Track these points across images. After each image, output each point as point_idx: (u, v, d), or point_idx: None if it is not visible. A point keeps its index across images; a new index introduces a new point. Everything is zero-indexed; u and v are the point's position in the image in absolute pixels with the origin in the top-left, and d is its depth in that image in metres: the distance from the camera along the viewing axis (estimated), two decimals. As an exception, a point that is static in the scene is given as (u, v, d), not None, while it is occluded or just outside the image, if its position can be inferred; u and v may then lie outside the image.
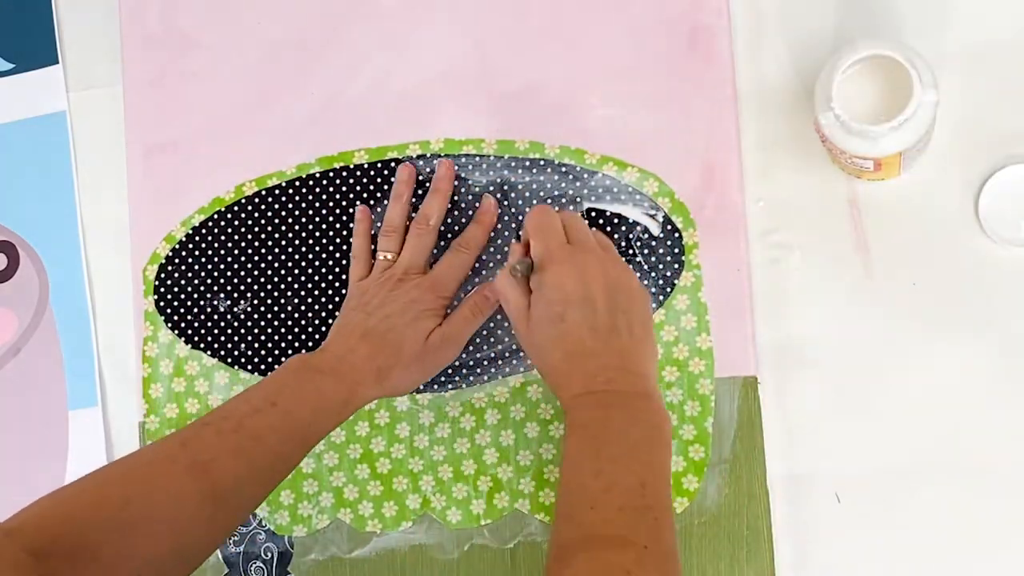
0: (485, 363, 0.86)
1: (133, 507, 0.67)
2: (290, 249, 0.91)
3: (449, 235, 0.87)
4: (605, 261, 0.74)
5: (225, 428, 0.73)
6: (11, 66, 0.99)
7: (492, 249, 0.87)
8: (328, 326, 0.89)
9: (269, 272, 0.91)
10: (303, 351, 0.89)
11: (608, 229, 0.84)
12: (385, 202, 0.89)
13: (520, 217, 0.86)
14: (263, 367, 0.90)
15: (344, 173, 0.91)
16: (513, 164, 0.87)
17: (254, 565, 0.90)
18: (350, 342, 0.80)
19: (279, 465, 0.75)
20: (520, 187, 0.87)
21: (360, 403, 0.79)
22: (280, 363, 0.89)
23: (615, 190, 0.85)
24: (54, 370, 0.95)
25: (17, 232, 0.98)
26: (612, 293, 0.73)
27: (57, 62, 0.98)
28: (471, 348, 0.86)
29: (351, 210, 0.90)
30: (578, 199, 0.85)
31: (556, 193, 0.86)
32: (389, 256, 0.85)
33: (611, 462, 0.68)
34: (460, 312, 0.84)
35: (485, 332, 0.86)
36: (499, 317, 0.86)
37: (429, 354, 0.82)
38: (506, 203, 0.87)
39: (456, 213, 0.88)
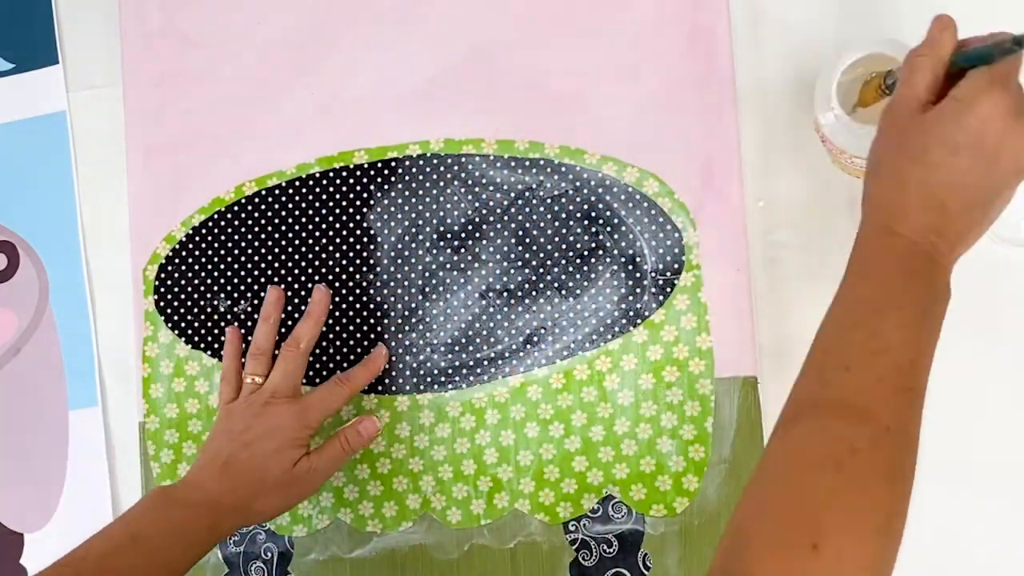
0: (485, 363, 0.87)
1: None
2: (290, 249, 0.91)
3: (442, 243, 0.87)
4: None
5: (84, 569, 0.73)
6: (11, 66, 0.99)
7: (470, 273, 0.87)
8: (328, 326, 0.89)
9: (269, 272, 0.91)
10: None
11: (592, 223, 0.85)
12: (385, 201, 0.89)
13: (513, 225, 0.87)
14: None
15: (344, 173, 0.91)
16: (513, 164, 0.87)
17: (254, 565, 0.90)
18: (212, 472, 0.80)
19: None
20: (520, 187, 0.87)
21: (224, 532, 0.79)
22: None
23: (615, 190, 0.85)
24: (54, 370, 0.95)
25: (17, 232, 0.98)
26: (1011, 177, 0.61)
27: (57, 62, 0.98)
28: (471, 348, 0.87)
29: (351, 210, 0.90)
30: None
31: (556, 193, 0.86)
32: (257, 379, 0.84)
33: (895, 328, 0.58)
34: (332, 446, 0.83)
35: (485, 332, 0.87)
36: (499, 317, 0.86)
37: (294, 484, 0.81)
38: (505, 203, 0.87)
39: (455, 213, 0.88)
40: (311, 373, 0.90)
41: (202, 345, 0.92)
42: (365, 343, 0.89)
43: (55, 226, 0.97)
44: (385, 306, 0.89)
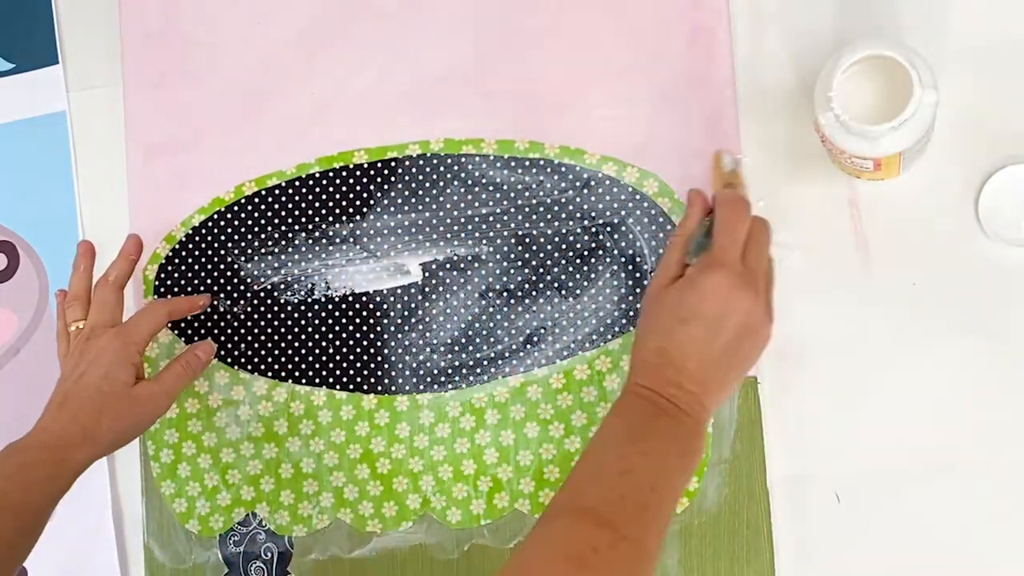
0: (485, 363, 0.87)
1: None
2: (290, 249, 0.91)
3: (441, 243, 0.88)
4: (758, 303, 0.72)
5: None
6: (11, 66, 0.99)
7: (470, 273, 0.87)
8: (327, 325, 0.89)
9: (269, 272, 0.91)
10: (302, 351, 0.90)
11: (615, 236, 0.85)
12: (385, 201, 0.89)
13: (513, 225, 0.87)
14: (263, 367, 0.91)
15: (344, 173, 0.91)
16: (513, 164, 0.87)
17: (254, 565, 0.90)
18: (51, 412, 0.82)
19: (3, 544, 0.77)
20: (520, 187, 0.87)
21: (75, 468, 0.81)
22: (279, 363, 0.90)
23: (615, 190, 0.85)
24: (54, 370, 0.95)
25: (17, 232, 0.98)
26: (741, 338, 0.72)
27: (57, 62, 0.98)
28: (471, 348, 0.87)
29: (351, 210, 0.90)
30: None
31: (556, 193, 0.86)
32: (80, 325, 0.86)
33: (638, 456, 0.68)
34: (172, 368, 0.86)
35: (485, 332, 0.87)
36: (499, 317, 0.87)
37: (138, 406, 0.83)
38: (505, 203, 0.87)
39: (455, 213, 0.88)
40: (311, 373, 0.90)
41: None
42: (364, 343, 0.89)
43: (55, 226, 0.97)
44: (385, 306, 0.89)
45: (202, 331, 0.92)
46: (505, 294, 0.87)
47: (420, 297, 0.88)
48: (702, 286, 0.71)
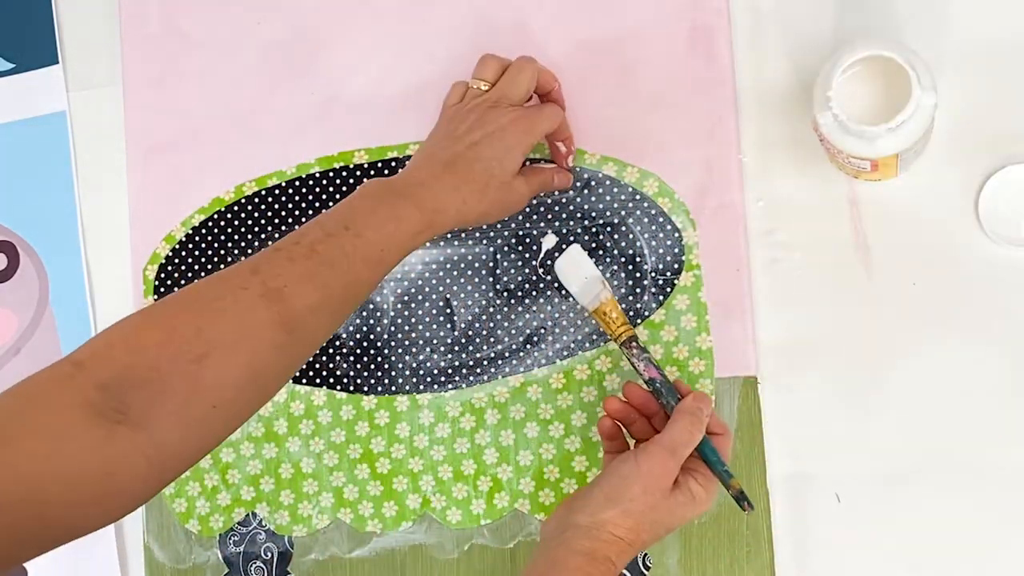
0: (485, 363, 0.87)
1: (205, 335, 0.64)
2: (290, 249, 0.91)
3: (441, 243, 0.88)
4: (684, 509, 0.74)
5: (297, 254, 0.69)
6: (11, 66, 1.00)
7: (471, 273, 0.88)
8: (335, 333, 0.89)
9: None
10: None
11: (615, 237, 0.85)
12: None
13: (513, 225, 0.87)
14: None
15: (344, 173, 0.91)
16: (513, 164, 0.88)
17: (254, 565, 0.91)
18: (435, 169, 0.77)
19: (352, 292, 0.71)
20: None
21: (436, 231, 0.75)
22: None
23: (615, 190, 0.86)
24: None
25: (17, 232, 0.98)
26: (659, 532, 0.74)
27: (57, 62, 0.98)
28: (471, 348, 0.87)
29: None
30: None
31: (555, 193, 0.87)
32: (483, 86, 0.81)
33: None
34: (543, 173, 0.83)
35: (485, 332, 0.87)
36: (499, 317, 0.87)
37: (511, 198, 0.79)
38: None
39: (456, 213, 0.88)
40: (311, 373, 0.90)
41: None
42: (364, 343, 0.89)
43: (55, 226, 0.97)
44: (384, 306, 0.89)
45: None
46: (505, 294, 0.87)
47: (420, 297, 0.89)
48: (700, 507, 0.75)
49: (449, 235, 0.88)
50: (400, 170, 0.79)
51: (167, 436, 0.61)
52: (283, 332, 0.66)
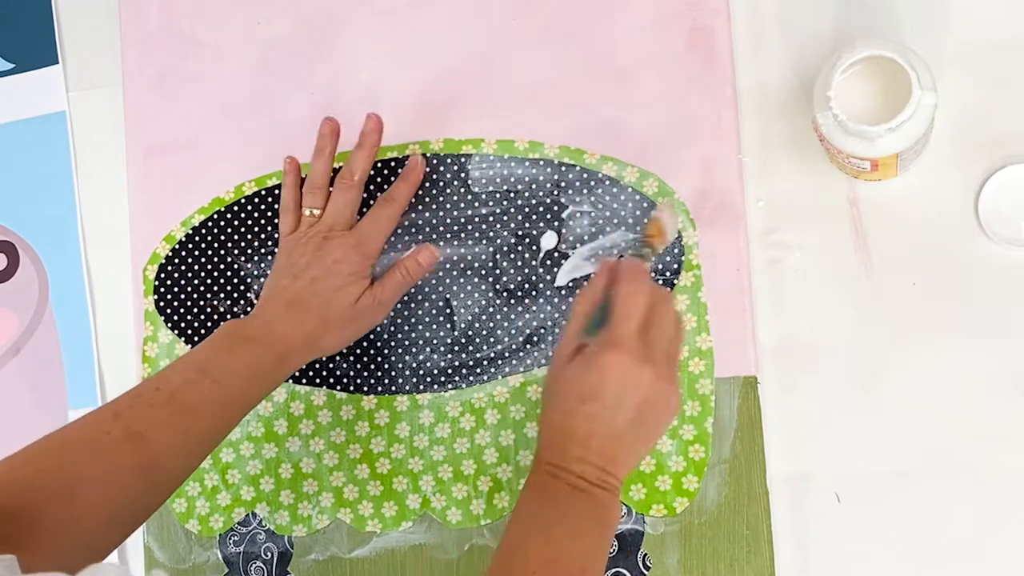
0: (485, 363, 0.87)
1: (72, 476, 0.69)
2: (290, 249, 0.91)
3: (441, 243, 0.88)
4: (658, 379, 0.71)
5: (157, 400, 0.75)
6: (11, 66, 1.00)
7: (470, 273, 0.88)
8: (328, 326, 0.90)
9: (269, 272, 0.92)
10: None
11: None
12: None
13: (513, 225, 0.87)
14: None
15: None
16: (513, 164, 0.88)
17: (254, 565, 0.91)
18: (278, 309, 0.82)
19: (213, 435, 0.77)
20: (520, 187, 0.88)
21: (291, 367, 0.81)
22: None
23: (615, 190, 0.86)
24: (54, 370, 0.96)
25: (17, 232, 0.98)
26: (645, 410, 0.71)
27: (57, 62, 0.99)
28: (471, 348, 0.87)
29: (351, 210, 0.90)
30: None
31: (556, 193, 0.87)
32: (316, 212, 0.86)
33: (565, 539, 0.69)
34: (392, 277, 0.85)
35: (485, 332, 0.87)
36: (498, 317, 0.87)
37: (359, 318, 0.84)
38: (505, 203, 0.88)
39: (455, 213, 0.88)
40: (311, 373, 0.90)
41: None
42: (364, 343, 0.89)
43: (55, 226, 0.97)
44: (385, 306, 0.89)
45: (202, 331, 0.92)
46: (505, 294, 0.87)
47: (420, 297, 0.89)
48: (600, 365, 0.70)
49: (448, 235, 0.88)
50: (256, 303, 0.85)
51: (38, 566, 0.64)
52: (145, 475, 0.72)
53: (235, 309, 0.92)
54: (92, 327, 0.96)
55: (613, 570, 0.84)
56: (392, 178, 0.90)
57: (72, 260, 0.96)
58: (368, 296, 0.84)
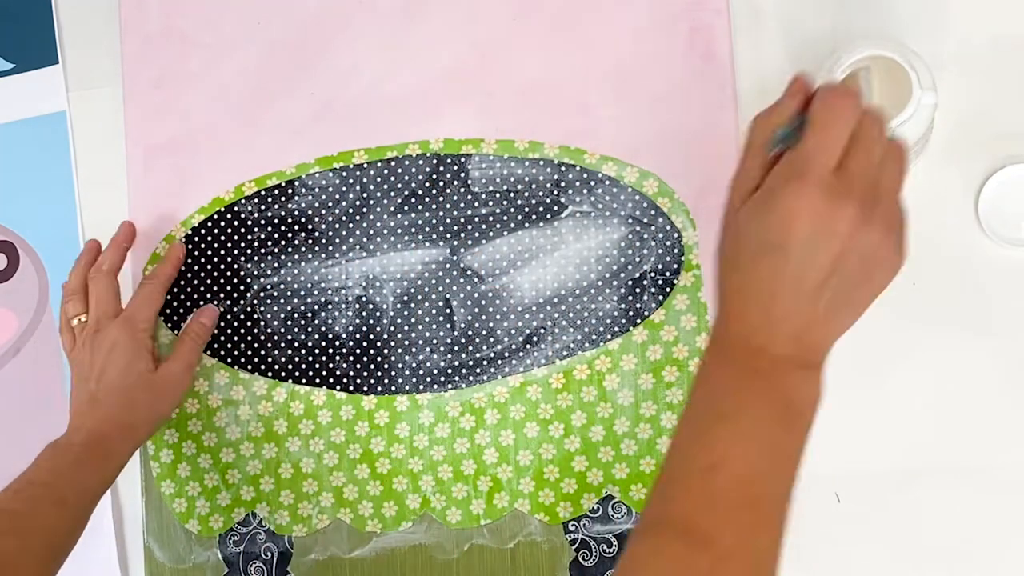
0: (485, 363, 0.87)
1: None
2: (289, 249, 0.91)
3: (441, 243, 0.88)
4: (866, 219, 0.56)
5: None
6: (11, 66, 1.00)
7: (470, 273, 0.88)
8: (327, 325, 0.90)
9: (268, 272, 0.92)
10: (302, 351, 0.90)
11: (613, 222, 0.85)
12: (385, 201, 0.90)
13: (512, 224, 0.87)
14: (263, 367, 0.91)
15: (344, 173, 0.91)
16: (513, 164, 0.88)
17: (254, 565, 0.91)
18: (83, 411, 0.84)
19: (59, 539, 0.79)
20: (520, 187, 0.88)
21: (121, 460, 0.84)
22: (279, 363, 0.90)
23: (615, 190, 0.86)
24: (54, 370, 0.95)
25: (17, 232, 0.98)
26: (848, 261, 0.56)
27: (57, 62, 0.98)
28: (471, 348, 0.87)
29: (351, 210, 0.90)
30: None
31: (555, 193, 0.87)
32: (82, 319, 0.88)
33: (729, 442, 0.56)
34: (184, 342, 0.89)
35: (485, 332, 0.87)
36: (498, 317, 0.87)
37: (164, 389, 0.87)
38: (505, 203, 0.88)
39: (455, 213, 0.88)
40: (311, 373, 0.90)
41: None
42: (364, 343, 0.89)
43: (55, 226, 0.97)
44: (384, 306, 0.89)
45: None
46: (505, 294, 0.87)
47: (420, 297, 0.89)
48: (785, 204, 0.55)
49: (448, 235, 0.88)
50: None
51: None
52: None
53: (235, 309, 0.92)
54: None
55: (613, 570, 0.84)
56: (392, 178, 0.90)
57: (72, 260, 0.96)
58: (165, 366, 0.87)
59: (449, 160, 0.89)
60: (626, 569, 0.54)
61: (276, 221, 0.92)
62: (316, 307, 0.90)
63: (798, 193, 0.55)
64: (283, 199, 0.92)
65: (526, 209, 0.87)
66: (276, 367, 0.91)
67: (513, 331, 0.87)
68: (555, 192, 0.87)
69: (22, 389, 0.96)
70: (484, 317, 0.87)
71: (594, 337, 0.85)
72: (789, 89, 0.60)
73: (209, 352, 0.92)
